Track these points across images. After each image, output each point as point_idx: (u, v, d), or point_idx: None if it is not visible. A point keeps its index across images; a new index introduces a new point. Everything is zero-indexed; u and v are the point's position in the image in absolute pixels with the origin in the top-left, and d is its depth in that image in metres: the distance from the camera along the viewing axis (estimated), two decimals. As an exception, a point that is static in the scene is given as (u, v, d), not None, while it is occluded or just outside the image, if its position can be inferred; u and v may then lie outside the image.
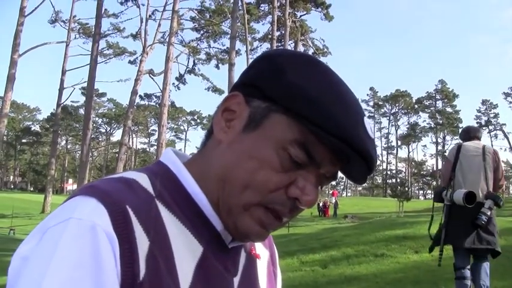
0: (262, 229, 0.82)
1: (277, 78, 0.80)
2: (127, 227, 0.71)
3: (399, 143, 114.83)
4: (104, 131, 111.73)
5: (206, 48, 51.54)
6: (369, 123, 0.80)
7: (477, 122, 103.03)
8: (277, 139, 0.78)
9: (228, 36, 42.93)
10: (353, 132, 0.77)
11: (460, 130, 6.76)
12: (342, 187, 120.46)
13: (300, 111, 0.77)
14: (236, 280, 0.88)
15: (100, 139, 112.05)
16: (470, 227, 5.63)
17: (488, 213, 5.62)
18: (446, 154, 6.64)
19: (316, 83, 0.79)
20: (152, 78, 44.72)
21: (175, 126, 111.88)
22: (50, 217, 0.72)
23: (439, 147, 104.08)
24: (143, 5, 47.86)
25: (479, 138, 6.24)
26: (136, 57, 51.18)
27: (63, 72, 50.04)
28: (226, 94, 0.90)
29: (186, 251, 0.79)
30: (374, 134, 0.85)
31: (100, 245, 0.68)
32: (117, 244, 0.69)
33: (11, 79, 39.39)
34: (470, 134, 6.25)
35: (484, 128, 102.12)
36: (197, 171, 0.85)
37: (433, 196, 6.59)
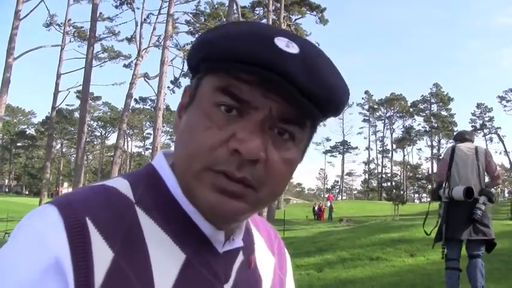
0: (221, 195, 0.75)
1: (192, 50, 0.81)
2: (83, 240, 0.69)
3: (394, 146, 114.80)
4: (99, 134, 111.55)
5: (201, 51, 51.53)
6: (284, 40, 0.73)
7: (472, 126, 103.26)
8: (204, 99, 0.76)
9: (223, 39, 42.87)
10: (254, 48, 0.72)
11: (455, 133, 7.32)
12: (337, 190, 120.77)
13: (202, 58, 0.77)
14: (228, 287, 0.83)
15: (95, 142, 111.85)
16: (467, 220, 6.10)
17: (483, 208, 6.08)
18: (442, 155, 7.11)
19: (216, 31, 0.78)
20: (147, 81, 44.66)
21: (170, 130, 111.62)
22: (23, 219, 0.73)
23: (434, 151, 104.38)
24: (138, 8, 47.89)
25: (472, 141, 6.70)
26: (131, 61, 51.31)
27: (58, 76, 49.95)
28: None
29: (166, 260, 0.76)
30: (303, 50, 0.74)
31: (44, 267, 0.67)
32: (68, 259, 0.67)
33: (5, 83, 39.27)
34: (463, 136, 6.79)
35: (479, 131, 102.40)
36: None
37: (430, 195, 7.14)
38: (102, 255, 0.70)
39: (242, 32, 0.74)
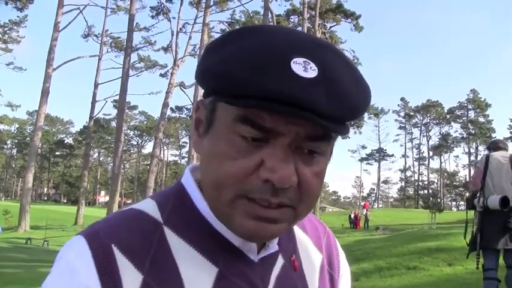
0: (259, 222, 0.74)
1: (198, 69, 0.76)
2: (110, 266, 0.72)
3: (431, 153, 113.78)
4: (135, 143, 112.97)
5: (236, 60, 51.81)
6: (302, 63, 0.69)
7: (510, 132, 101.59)
8: (225, 127, 0.73)
9: (258, 48, 43.03)
10: (270, 81, 0.67)
11: (489, 142, 7.25)
12: (373, 198, 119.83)
13: (220, 91, 0.72)
14: None
15: (132, 151, 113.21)
16: (502, 230, 6.01)
17: None
18: (477, 163, 7.05)
19: (224, 53, 0.72)
20: (183, 90, 45.11)
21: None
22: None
23: (472, 158, 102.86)
24: (174, 18, 48.46)
25: (506, 150, 6.59)
26: (168, 70, 51.93)
27: (96, 86, 50.83)
28: None
29: (198, 275, 0.77)
30: (322, 70, 0.70)
31: None
32: (98, 286, 0.71)
33: (45, 93, 40.11)
34: (497, 144, 6.71)
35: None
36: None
37: (465, 204, 7.01)
38: (131, 278, 0.72)
39: (252, 54, 0.70)
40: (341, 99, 0.71)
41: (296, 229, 0.96)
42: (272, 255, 0.86)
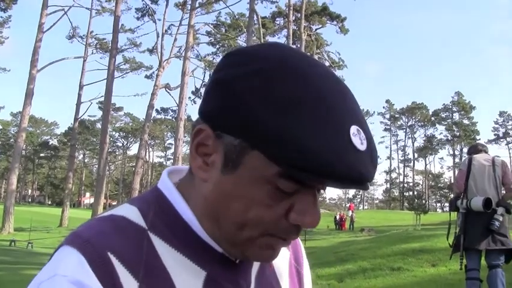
0: (273, 251, 0.78)
1: (238, 113, 0.71)
2: (111, 276, 0.71)
3: (416, 155, 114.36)
4: (120, 145, 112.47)
5: (222, 62, 51.82)
6: (357, 133, 0.70)
7: (495, 134, 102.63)
8: (260, 176, 0.71)
9: (244, 50, 43.06)
10: (333, 162, 0.67)
11: (469, 147, 7.43)
12: (358, 200, 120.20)
13: (272, 154, 0.68)
14: None
15: (117, 153, 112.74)
16: (485, 231, 6.14)
17: (501, 219, 6.13)
18: (460, 165, 7.14)
19: (280, 113, 0.68)
20: (168, 92, 45.08)
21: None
22: (42, 269, 0.73)
23: (457, 160, 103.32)
24: (159, 20, 48.37)
25: (487, 152, 6.75)
26: (153, 72, 51.86)
27: (81, 87, 50.56)
28: None
29: (188, 279, 0.77)
30: (367, 139, 0.72)
31: None
32: None
33: (29, 94, 39.81)
34: (477, 148, 6.89)
35: (501, 140, 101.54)
36: (189, 198, 0.81)
37: (448, 206, 7.12)
38: (130, 286, 0.72)
39: (315, 123, 0.68)
40: (376, 164, 0.74)
41: None
42: None
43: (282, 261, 0.97)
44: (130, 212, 0.80)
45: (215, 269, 0.80)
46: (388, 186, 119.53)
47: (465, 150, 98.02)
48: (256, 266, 0.89)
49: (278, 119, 0.67)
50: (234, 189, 0.74)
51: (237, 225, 0.75)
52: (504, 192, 6.36)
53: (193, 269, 0.79)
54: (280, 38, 53.63)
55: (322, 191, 0.78)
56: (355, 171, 0.68)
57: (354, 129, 0.69)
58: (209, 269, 0.80)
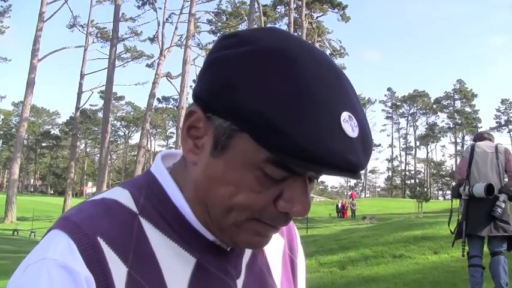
0: (263, 237, 0.77)
1: (228, 95, 0.69)
2: (99, 260, 0.70)
3: (418, 143, 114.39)
4: (122, 134, 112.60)
5: (223, 50, 51.78)
6: (348, 119, 0.68)
7: (496, 122, 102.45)
8: (249, 160, 0.70)
9: (245, 38, 43.02)
10: (319, 148, 0.65)
11: (474, 135, 7.42)
12: (360, 188, 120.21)
13: (259, 138, 0.67)
14: (240, 282, 0.84)
15: (118, 142, 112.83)
16: (487, 218, 6.13)
17: (503, 205, 6.13)
18: (463, 152, 7.13)
19: (271, 98, 0.66)
20: (170, 81, 45.12)
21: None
22: (31, 252, 0.72)
23: (458, 148, 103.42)
24: (160, 8, 48.57)
25: (491, 140, 6.72)
26: (154, 61, 51.95)
27: (82, 76, 50.53)
28: None
29: (177, 265, 0.77)
30: (360, 126, 0.70)
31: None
32: (91, 281, 0.69)
33: (30, 84, 39.84)
34: (482, 135, 6.87)
35: (503, 127, 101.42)
36: (182, 183, 0.80)
37: (451, 192, 7.09)
38: (119, 270, 0.71)
39: (306, 113, 0.66)
40: (370, 152, 0.72)
41: None
42: None
43: (275, 249, 0.96)
44: (122, 195, 0.79)
45: (205, 257, 0.79)
46: (390, 174, 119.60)
47: (467, 138, 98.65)
48: (247, 254, 0.88)
49: (267, 102, 0.66)
50: (222, 172, 0.73)
51: (224, 209, 0.73)
52: (507, 179, 6.31)
53: (182, 255, 0.78)
54: (281, 26, 53.46)
55: (316, 180, 0.77)
56: (342, 158, 0.66)
57: (345, 115, 0.68)
58: (199, 256, 0.79)
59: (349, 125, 0.68)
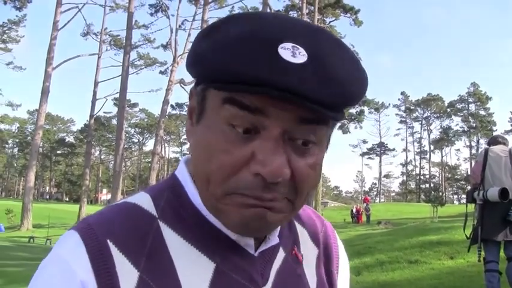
0: (255, 208, 0.70)
1: (194, 62, 0.72)
2: (106, 262, 0.70)
3: (432, 147, 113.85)
4: (136, 140, 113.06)
5: (236, 56, 51.96)
6: (291, 48, 0.66)
7: (511, 125, 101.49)
8: (216, 116, 0.71)
9: (258, 44, 43.16)
10: (254, 66, 0.65)
11: (489, 138, 7.39)
12: (375, 193, 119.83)
13: (201, 76, 0.72)
14: None
15: (133, 149, 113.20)
16: (502, 222, 6.06)
17: None
18: (477, 157, 7.12)
19: (214, 39, 0.69)
20: (183, 87, 45.12)
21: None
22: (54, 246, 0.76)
23: (473, 151, 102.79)
24: (173, 15, 48.40)
25: (505, 144, 6.66)
26: (167, 67, 51.99)
27: (96, 84, 50.76)
28: None
29: (195, 270, 0.74)
30: (313, 56, 0.68)
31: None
32: (93, 282, 0.69)
33: (45, 92, 40.10)
34: (496, 139, 6.82)
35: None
36: None
37: (465, 197, 7.02)
38: (128, 274, 0.70)
39: (242, 41, 0.67)
40: (332, 85, 0.67)
41: (293, 220, 0.93)
42: (272, 248, 0.83)
43: (309, 257, 0.91)
44: (143, 199, 0.80)
45: (226, 261, 0.77)
46: (405, 178, 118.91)
47: (482, 141, 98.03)
48: (279, 260, 0.83)
49: (216, 49, 0.68)
50: (199, 138, 0.73)
51: (205, 180, 0.72)
52: None
53: (201, 259, 0.76)
54: (294, 32, 53.55)
55: (310, 144, 0.72)
56: (278, 79, 0.64)
57: (287, 45, 0.67)
58: (219, 261, 0.76)
59: (289, 52, 0.66)
